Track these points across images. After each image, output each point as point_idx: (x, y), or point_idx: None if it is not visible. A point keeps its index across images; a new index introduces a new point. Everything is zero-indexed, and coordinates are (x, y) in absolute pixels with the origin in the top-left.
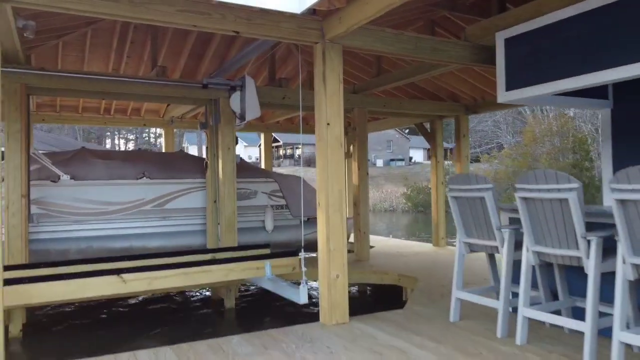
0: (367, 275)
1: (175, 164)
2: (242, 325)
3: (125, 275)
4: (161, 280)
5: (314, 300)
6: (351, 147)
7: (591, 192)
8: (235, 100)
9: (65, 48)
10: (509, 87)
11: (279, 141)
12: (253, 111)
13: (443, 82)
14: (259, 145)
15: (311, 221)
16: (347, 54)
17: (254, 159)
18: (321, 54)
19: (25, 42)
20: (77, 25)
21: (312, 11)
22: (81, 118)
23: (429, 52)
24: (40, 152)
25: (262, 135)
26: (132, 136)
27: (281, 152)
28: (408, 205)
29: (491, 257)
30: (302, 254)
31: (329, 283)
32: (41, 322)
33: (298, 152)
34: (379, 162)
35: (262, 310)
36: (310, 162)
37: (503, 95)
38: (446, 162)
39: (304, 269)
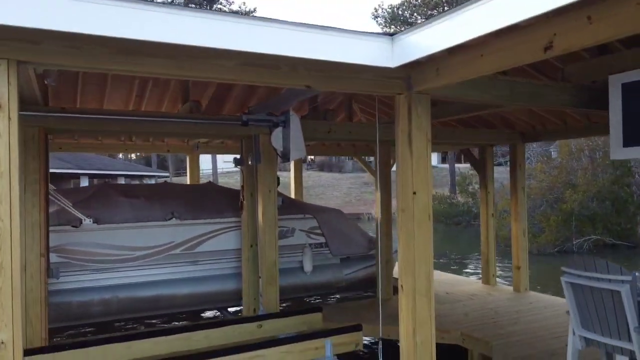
0: (442, 334)
1: (205, 200)
2: None
3: None
4: None
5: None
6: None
7: (630, 209)
8: (277, 138)
9: (86, 76)
10: (628, 142)
11: None
12: (298, 151)
13: (499, 109)
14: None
15: (352, 259)
16: None
17: None
18: (406, 110)
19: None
20: None
21: None
22: (101, 145)
23: (526, 98)
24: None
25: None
26: None
27: None
28: None
29: (609, 355)
30: (380, 346)
31: None
32: None
33: (310, 156)
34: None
35: None
36: (323, 166)
37: (619, 152)
38: (461, 165)
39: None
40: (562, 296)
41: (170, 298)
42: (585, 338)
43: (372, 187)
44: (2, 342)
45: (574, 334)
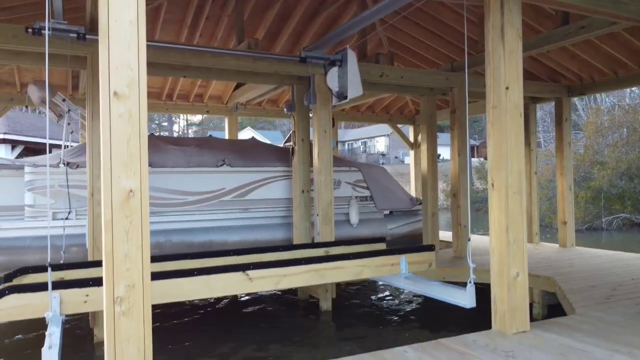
0: (481, 275)
1: (252, 152)
2: (345, 333)
3: (251, 273)
4: (290, 279)
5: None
6: (419, 138)
7: None
8: (333, 77)
9: None
10: None
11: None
12: (355, 88)
13: (546, 59)
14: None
15: (395, 215)
16: (442, 26)
17: None
18: (499, 4)
19: None
20: None
21: None
22: None
23: (608, 4)
24: None
25: None
26: None
27: None
28: (447, 203)
29: None
30: (469, 244)
31: (508, 283)
32: None
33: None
34: (407, 160)
35: (365, 315)
36: None
37: None
38: (475, 160)
39: (471, 265)
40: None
41: (222, 244)
42: None
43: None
44: (131, 191)
45: None
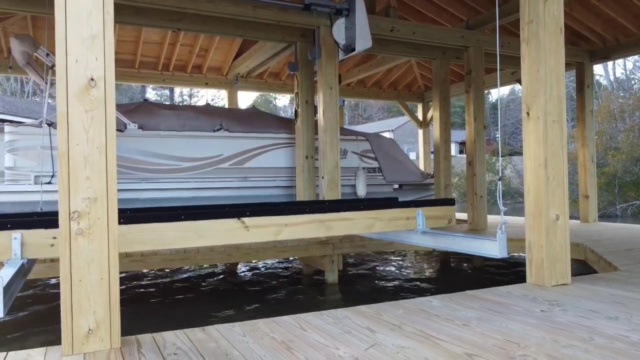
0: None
1: (252, 119)
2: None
3: (248, 220)
4: (292, 229)
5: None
6: (428, 116)
7: None
8: (339, 29)
9: None
10: None
11: None
12: (364, 40)
13: (567, 17)
14: None
15: (405, 189)
16: None
17: None
18: None
19: None
20: None
21: None
22: (138, 74)
23: None
24: None
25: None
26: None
27: None
28: (454, 194)
29: None
30: (499, 184)
31: (547, 226)
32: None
33: None
34: (412, 155)
35: (375, 288)
36: None
37: None
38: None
39: (503, 208)
40: None
41: None
42: None
43: None
44: (93, 79)
45: None
